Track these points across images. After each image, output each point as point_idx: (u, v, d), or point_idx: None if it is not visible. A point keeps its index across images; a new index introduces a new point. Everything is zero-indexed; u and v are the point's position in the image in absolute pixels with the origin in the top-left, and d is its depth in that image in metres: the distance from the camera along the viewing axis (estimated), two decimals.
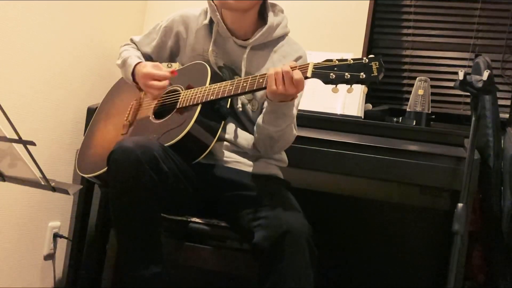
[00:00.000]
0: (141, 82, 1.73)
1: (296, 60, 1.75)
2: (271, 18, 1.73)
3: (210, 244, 1.70)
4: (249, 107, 1.73)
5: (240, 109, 1.72)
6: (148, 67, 1.71)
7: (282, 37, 1.78)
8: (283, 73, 1.45)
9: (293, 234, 1.44)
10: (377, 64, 1.37)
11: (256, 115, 1.71)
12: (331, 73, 1.40)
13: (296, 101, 1.61)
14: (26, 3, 1.96)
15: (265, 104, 1.65)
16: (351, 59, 1.40)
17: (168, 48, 1.85)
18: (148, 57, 1.89)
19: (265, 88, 1.51)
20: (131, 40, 1.93)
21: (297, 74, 1.44)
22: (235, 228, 1.64)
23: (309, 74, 1.43)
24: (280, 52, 1.76)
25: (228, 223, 1.67)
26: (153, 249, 1.51)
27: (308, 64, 1.44)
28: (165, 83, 1.67)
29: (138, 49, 1.90)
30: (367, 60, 1.38)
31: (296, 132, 1.70)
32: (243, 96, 1.71)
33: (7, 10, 1.89)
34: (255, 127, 1.69)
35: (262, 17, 1.76)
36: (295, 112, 1.66)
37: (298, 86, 1.46)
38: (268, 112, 1.60)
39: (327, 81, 1.41)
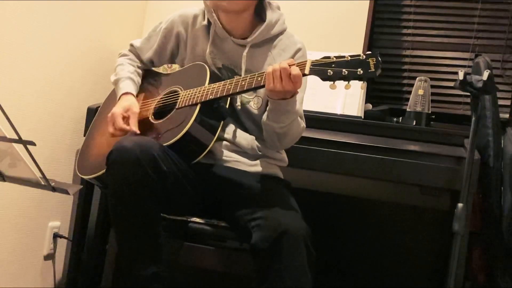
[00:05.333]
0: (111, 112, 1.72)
1: (296, 52, 1.75)
2: (269, 16, 1.73)
3: (210, 244, 1.70)
4: (251, 105, 1.73)
5: (239, 107, 1.72)
6: (118, 112, 1.68)
7: (280, 33, 1.77)
8: (280, 70, 1.46)
9: (290, 235, 1.43)
10: (375, 60, 1.38)
11: (261, 113, 1.71)
12: (329, 69, 1.41)
13: (299, 96, 1.60)
14: (26, 3, 1.96)
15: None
16: (349, 55, 1.41)
17: (169, 50, 1.84)
18: (150, 62, 1.89)
19: (263, 86, 1.51)
20: (131, 45, 1.90)
21: (295, 70, 1.45)
22: (234, 228, 1.64)
23: (307, 71, 1.44)
24: (279, 46, 1.76)
25: (227, 222, 1.67)
26: (153, 249, 1.51)
27: (306, 61, 1.45)
28: (120, 133, 1.67)
29: (138, 57, 1.88)
30: (364, 56, 1.39)
31: (304, 124, 1.70)
32: (244, 94, 1.71)
33: (7, 10, 1.89)
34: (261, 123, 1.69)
35: (259, 16, 1.76)
36: (299, 107, 1.66)
37: (295, 82, 1.46)
38: (270, 110, 1.60)
39: (325, 77, 1.42)
